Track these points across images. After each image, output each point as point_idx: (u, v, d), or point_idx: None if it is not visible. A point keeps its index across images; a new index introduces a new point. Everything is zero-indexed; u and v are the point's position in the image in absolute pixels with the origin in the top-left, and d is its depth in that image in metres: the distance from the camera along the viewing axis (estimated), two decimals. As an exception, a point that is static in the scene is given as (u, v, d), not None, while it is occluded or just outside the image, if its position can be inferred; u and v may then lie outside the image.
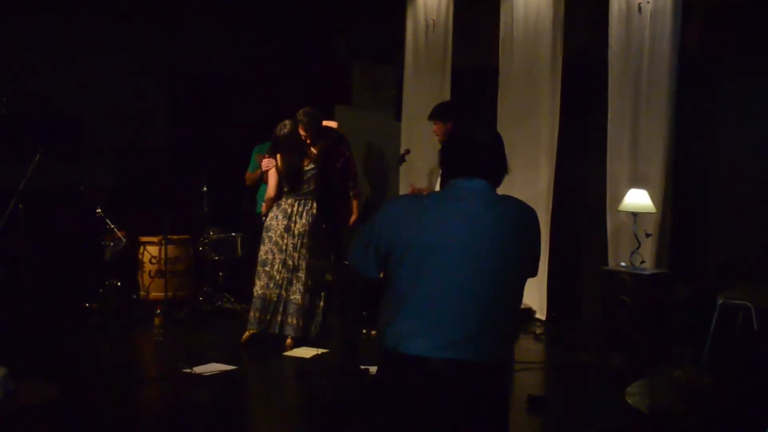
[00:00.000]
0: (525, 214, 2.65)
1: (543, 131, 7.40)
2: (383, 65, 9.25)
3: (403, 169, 7.98)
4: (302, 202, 6.43)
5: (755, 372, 4.67)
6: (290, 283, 6.38)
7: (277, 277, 6.38)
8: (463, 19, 8.10)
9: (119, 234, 7.46)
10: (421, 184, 7.41)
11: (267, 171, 6.46)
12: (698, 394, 4.01)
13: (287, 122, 6.41)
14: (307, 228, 6.38)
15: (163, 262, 7.60)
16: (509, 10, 7.67)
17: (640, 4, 6.69)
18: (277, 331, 6.37)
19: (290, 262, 6.38)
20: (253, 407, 5.47)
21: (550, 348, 6.80)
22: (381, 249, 2.57)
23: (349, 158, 7.52)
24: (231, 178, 7.78)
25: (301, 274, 6.38)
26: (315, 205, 6.47)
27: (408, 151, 7.14)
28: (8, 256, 6.94)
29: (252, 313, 6.40)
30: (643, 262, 6.40)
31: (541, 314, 7.43)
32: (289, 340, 6.36)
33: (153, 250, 7.82)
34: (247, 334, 6.42)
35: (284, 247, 6.38)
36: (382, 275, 2.66)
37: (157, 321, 6.98)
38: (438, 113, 6.73)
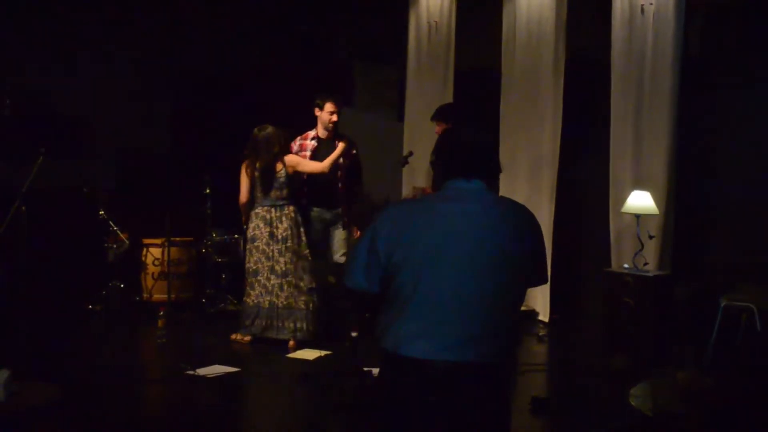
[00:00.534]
0: (523, 214, 2.65)
1: (546, 132, 7.39)
2: (385, 66, 9.26)
3: (405, 170, 7.98)
4: (278, 207, 6.48)
5: (758, 373, 4.66)
6: (281, 288, 6.43)
7: (268, 285, 6.43)
8: (465, 21, 8.11)
9: (122, 236, 7.47)
10: (423, 185, 7.41)
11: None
12: (701, 395, 4.00)
13: (268, 126, 6.50)
14: (289, 232, 6.44)
15: (166, 264, 7.61)
16: (512, 12, 7.67)
17: (642, 5, 6.69)
18: (275, 335, 6.42)
19: (278, 268, 6.43)
20: (256, 409, 5.46)
21: (553, 350, 6.80)
22: (382, 257, 2.55)
23: (357, 159, 7.53)
24: (233, 181, 7.77)
25: (291, 278, 6.43)
26: (292, 209, 6.52)
27: (411, 153, 7.15)
28: (11, 258, 6.94)
29: (248, 321, 6.49)
30: (646, 263, 6.39)
31: (544, 316, 7.44)
32: (291, 342, 6.37)
33: (156, 252, 7.83)
34: (239, 336, 6.52)
35: (271, 254, 6.43)
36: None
37: (160, 323, 6.98)
38: (441, 114, 6.75)
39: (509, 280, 2.54)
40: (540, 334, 7.01)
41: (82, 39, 8.45)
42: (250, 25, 9.37)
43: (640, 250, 6.37)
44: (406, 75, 8.59)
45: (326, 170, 6.51)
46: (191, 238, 8.01)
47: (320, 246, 6.82)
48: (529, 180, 7.48)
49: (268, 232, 6.43)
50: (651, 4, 6.63)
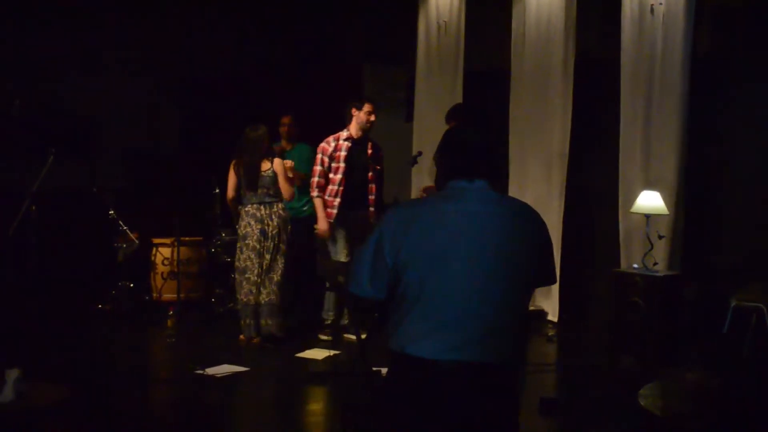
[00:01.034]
0: (527, 212, 2.64)
1: (555, 133, 7.38)
2: (394, 67, 9.26)
3: (414, 171, 7.98)
4: (267, 205, 6.55)
5: (768, 374, 4.64)
6: (263, 285, 6.49)
7: (258, 282, 6.49)
8: (474, 21, 8.10)
9: (132, 236, 7.49)
10: (429, 184, 7.41)
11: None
12: (711, 396, 3.99)
13: (261, 126, 6.62)
14: (278, 230, 6.52)
15: (175, 263, 7.63)
16: (521, 12, 7.66)
17: (652, 5, 6.66)
18: (255, 333, 6.50)
19: (264, 265, 6.49)
20: (265, 408, 5.47)
21: (562, 350, 6.79)
22: (388, 260, 2.53)
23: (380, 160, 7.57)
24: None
25: (273, 275, 6.50)
26: (281, 206, 6.60)
27: (420, 153, 7.14)
28: (21, 257, 6.98)
29: (243, 321, 6.54)
30: (655, 264, 6.37)
31: (553, 316, 7.43)
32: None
33: (165, 251, 7.85)
34: (243, 337, 6.56)
35: (262, 251, 6.49)
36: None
37: (169, 323, 7.00)
38: (450, 114, 6.75)
39: (514, 279, 2.54)
40: (549, 334, 6.99)
41: (93, 42, 8.48)
42: (260, 27, 9.40)
43: (650, 250, 6.35)
44: (414, 75, 8.58)
45: (289, 200, 6.67)
46: (200, 238, 8.03)
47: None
48: (538, 180, 7.46)
49: (259, 229, 6.48)
50: (660, 3, 6.60)
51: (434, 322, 2.48)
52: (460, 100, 7.93)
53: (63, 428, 4.69)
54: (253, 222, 6.49)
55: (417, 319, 2.50)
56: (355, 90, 9.31)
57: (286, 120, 7.71)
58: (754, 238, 6.42)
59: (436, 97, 8.24)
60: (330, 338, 6.65)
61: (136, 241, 7.57)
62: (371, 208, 6.87)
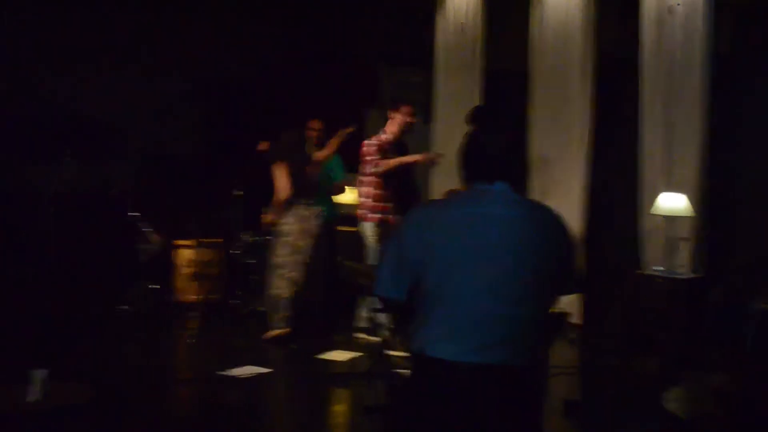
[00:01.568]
0: (549, 216, 2.63)
1: (575, 134, 7.36)
2: (412, 68, 9.26)
3: (433, 172, 7.98)
4: (310, 206, 6.71)
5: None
6: (297, 282, 6.60)
7: (295, 278, 6.58)
8: (493, 22, 8.09)
9: (155, 237, 7.52)
10: (452, 187, 7.40)
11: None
12: (735, 400, 3.97)
13: (296, 130, 6.84)
14: (317, 231, 6.71)
15: (197, 264, 7.67)
16: (539, 13, 7.65)
17: (671, 5, 6.63)
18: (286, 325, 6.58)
19: (302, 262, 6.63)
20: (287, 410, 5.48)
21: (585, 352, 6.77)
22: (410, 262, 2.54)
23: None
24: (262, 183, 7.82)
25: (308, 273, 6.66)
26: (320, 209, 6.79)
27: (439, 155, 7.14)
28: (42, 259, 7.03)
29: (280, 314, 6.57)
30: (680, 266, 6.33)
31: (576, 319, 7.40)
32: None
33: (187, 253, 7.88)
34: (277, 332, 6.58)
35: (301, 249, 6.61)
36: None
37: (191, 324, 7.03)
38: (476, 116, 6.73)
39: (535, 282, 2.53)
40: (572, 336, 6.97)
41: (108, 42, 8.52)
42: (277, 28, 9.42)
43: (673, 252, 6.32)
44: (432, 77, 8.58)
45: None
46: (221, 240, 8.06)
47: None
48: (559, 183, 7.44)
49: (299, 228, 6.61)
50: (679, 4, 6.58)
51: (454, 324, 2.48)
52: (478, 101, 7.93)
53: (87, 428, 4.72)
54: (293, 219, 6.62)
55: (437, 320, 2.50)
56: (373, 92, 9.34)
57: (315, 125, 7.33)
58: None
59: (454, 98, 8.24)
60: (366, 339, 6.67)
61: (161, 243, 7.60)
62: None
